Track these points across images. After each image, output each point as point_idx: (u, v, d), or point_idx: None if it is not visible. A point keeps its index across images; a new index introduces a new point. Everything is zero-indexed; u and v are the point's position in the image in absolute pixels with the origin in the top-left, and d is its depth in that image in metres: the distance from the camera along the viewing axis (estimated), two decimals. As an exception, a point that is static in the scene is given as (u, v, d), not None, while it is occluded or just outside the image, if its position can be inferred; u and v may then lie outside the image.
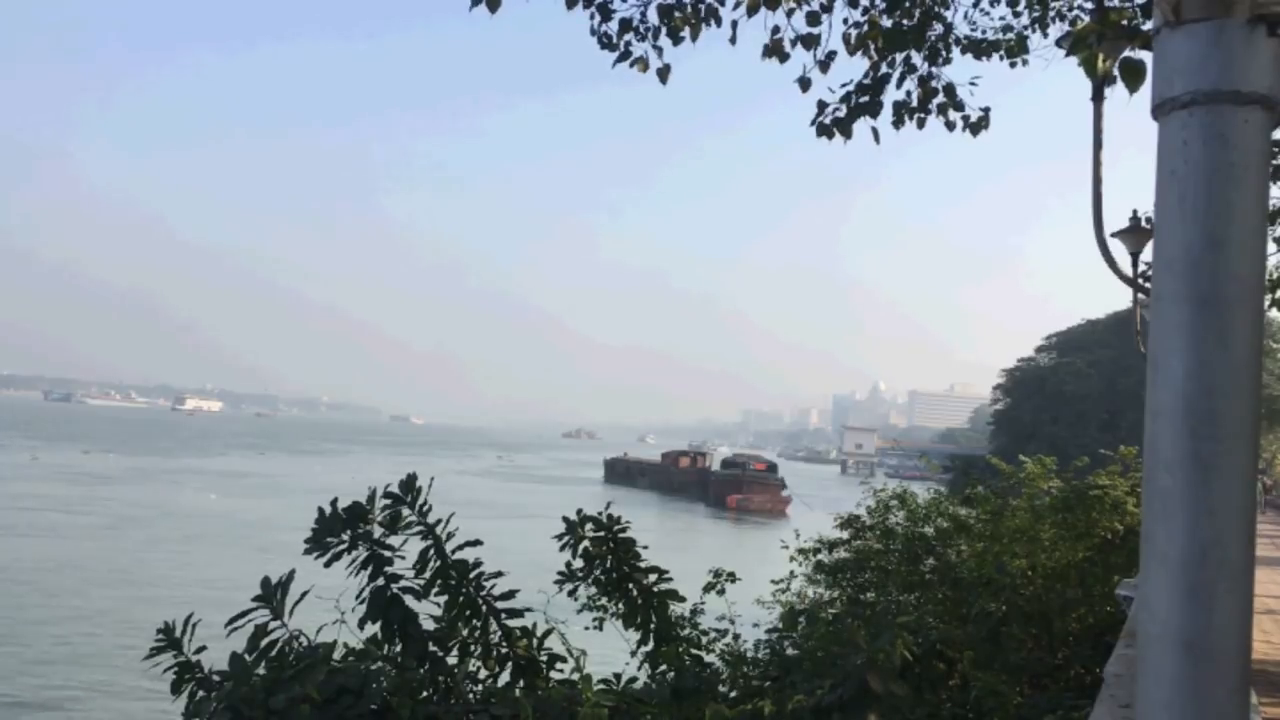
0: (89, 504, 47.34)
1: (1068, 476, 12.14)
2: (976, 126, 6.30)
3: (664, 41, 6.11)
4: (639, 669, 5.55)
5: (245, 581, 4.98)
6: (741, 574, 7.73)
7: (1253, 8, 1.30)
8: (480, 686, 5.05)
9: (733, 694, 6.18)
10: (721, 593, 7.43)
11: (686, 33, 6.05)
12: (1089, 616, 9.71)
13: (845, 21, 6.18)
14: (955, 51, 6.44)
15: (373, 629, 4.99)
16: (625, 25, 6.08)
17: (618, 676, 5.18)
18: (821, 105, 6.11)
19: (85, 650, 20.88)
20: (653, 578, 5.75)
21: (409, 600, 5.06)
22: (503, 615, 5.23)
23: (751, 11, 5.86)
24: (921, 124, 6.37)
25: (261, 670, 4.42)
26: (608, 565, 5.71)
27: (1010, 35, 6.52)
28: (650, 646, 5.65)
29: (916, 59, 6.33)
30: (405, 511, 5.20)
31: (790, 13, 5.98)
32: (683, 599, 5.98)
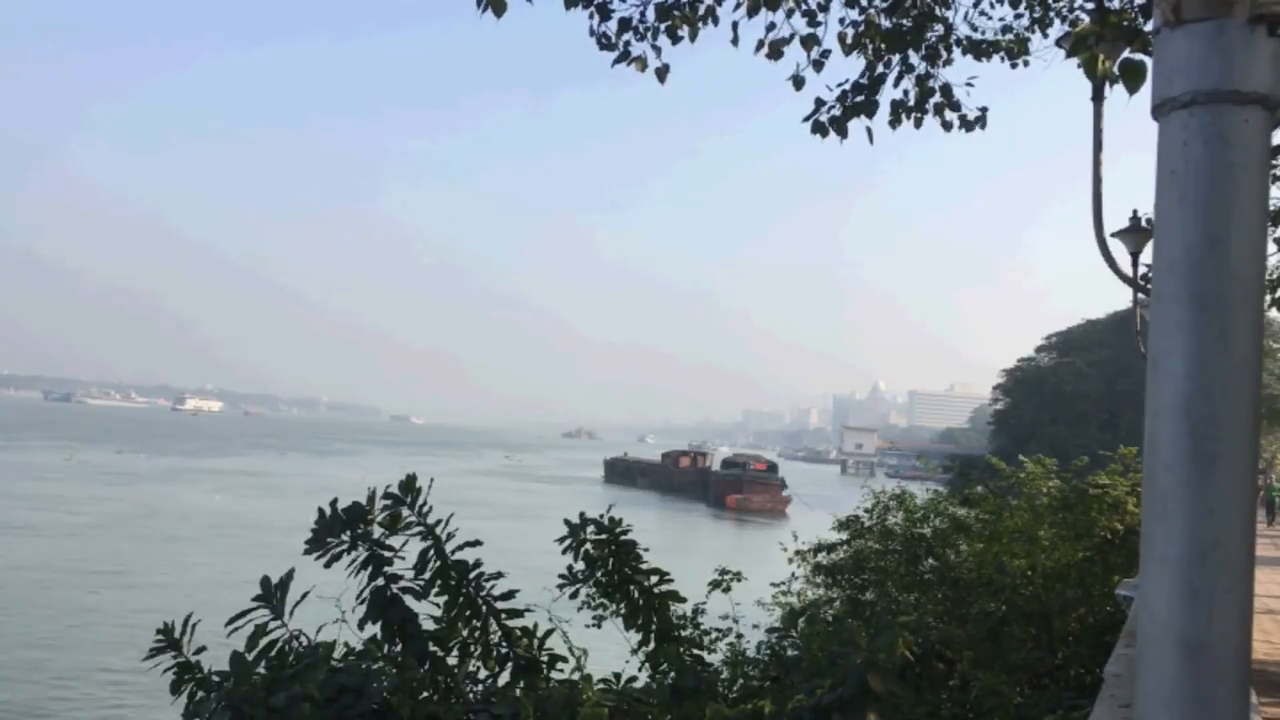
0: (150, 501, 48.46)
1: (1068, 476, 12.13)
2: (973, 126, 6.30)
3: (663, 41, 6.11)
4: (639, 669, 5.54)
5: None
6: (742, 574, 7.73)
7: (1253, 7, 1.30)
8: (480, 686, 5.05)
9: (733, 694, 6.17)
10: (727, 590, 7.44)
11: (685, 32, 6.05)
12: (1089, 616, 9.70)
13: (842, 21, 6.18)
14: (956, 52, 6.44)
15: (373, 629, 4.99)
16: (624, 25, 6.08)
17: (618, 676, 5.18)
18: (819, 102, 6.11)
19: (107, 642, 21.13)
20: (654, 579, 5.74)
21: (409, 600, 5.06)
22: (503, 615, 5.23)
23: (752, 12, 5.86)
24: (919, 124, 6.37)
25: (262, 669, 4.42)
26: (609, 568, 5.70)
27: (1010, 36, 6.52)
28: (651, 646, 5.64)
29: (914, 59, 6.33)
30: (405, 512, 5.20)
31: (790, 13, 5.97)
32: (683, 600, 5.97)
